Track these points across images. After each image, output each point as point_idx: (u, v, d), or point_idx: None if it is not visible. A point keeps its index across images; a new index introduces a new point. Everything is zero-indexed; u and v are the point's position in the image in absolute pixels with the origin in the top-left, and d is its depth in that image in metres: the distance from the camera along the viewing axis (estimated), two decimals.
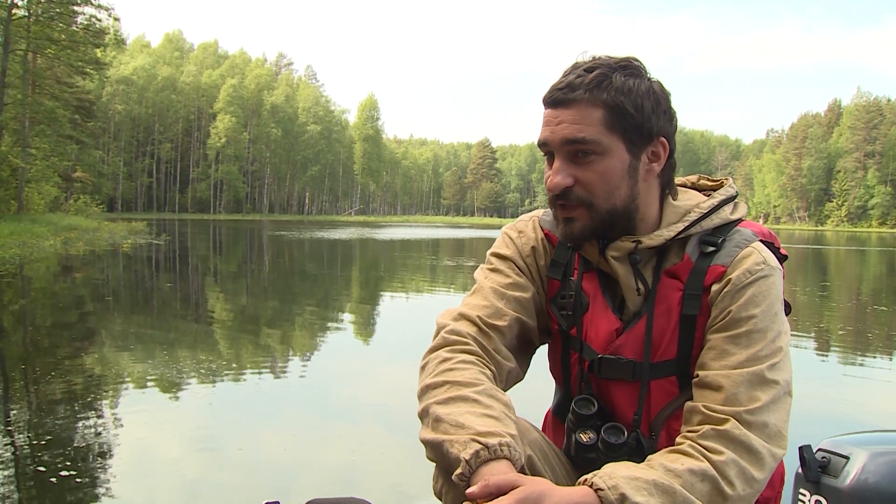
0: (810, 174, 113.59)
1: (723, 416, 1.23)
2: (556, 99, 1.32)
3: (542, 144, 1.35)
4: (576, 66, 1.34)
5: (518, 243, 1.49)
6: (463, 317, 1.41)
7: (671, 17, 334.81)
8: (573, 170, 1.32)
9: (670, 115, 1.36)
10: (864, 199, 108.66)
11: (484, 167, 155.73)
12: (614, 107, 1.29)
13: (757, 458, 1.21)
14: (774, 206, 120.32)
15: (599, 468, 1.19)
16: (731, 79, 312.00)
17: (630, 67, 1.33)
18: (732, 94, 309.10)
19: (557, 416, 1.54)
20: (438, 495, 1.28)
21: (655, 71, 1.37)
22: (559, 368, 1.49)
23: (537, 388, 1.89)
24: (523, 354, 1.46)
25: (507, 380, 1.41)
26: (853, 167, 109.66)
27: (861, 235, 79.64)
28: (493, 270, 1.48)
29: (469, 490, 1.09)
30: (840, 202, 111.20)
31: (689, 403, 1.30)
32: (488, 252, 1.52)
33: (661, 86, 1.36)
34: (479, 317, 1.39)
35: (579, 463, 1.39)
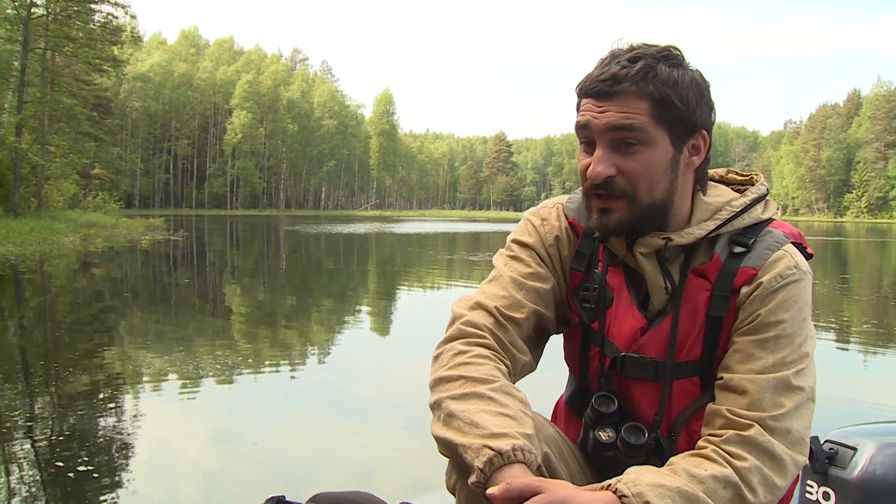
0: (829, 165, 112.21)
1: (747, 421, 1.21)
2: (601, 91, 1.27)
3: (583, 127, 1.30)
4: (616, 56, 1.28)
5: (541, 231, 1.45)
6: (480, 306, 1.37)
7: (688, 8, 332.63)
8: (616, 159, 1.27)
9: (711, 107, 1.32)
10: (884, 190, 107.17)
11: (500, 161, 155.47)
12: (661, 99, 1.25)
13: (780, 465, 1.19)
14: (793, 198, 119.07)
15: (618, 467, 1.17)
16: (749, 69, 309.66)
17: (672, 57, 1.28)
18: (750, 85, 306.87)
19: (570, 406, 1.51)
20: (452, 491, 1.27)
21: None
22: (576, 360, 1.46)
23: (546, 375, 1.87)
24: (538, 345, 1.44)
25: (521, 372, 1.39)
26: (873, 158, 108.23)
27: (882, 227, 78.77)
28: (514, 258, 1.44)
29: (490, 491, 1.07)
30: (860, 193, 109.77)
31: (711, 406, 1.27)
32: (509, 237, 1.47)
33: (702, 76, 1.31)
34: (496, 307, 1.36)
35: (596, 460, 1.38)
